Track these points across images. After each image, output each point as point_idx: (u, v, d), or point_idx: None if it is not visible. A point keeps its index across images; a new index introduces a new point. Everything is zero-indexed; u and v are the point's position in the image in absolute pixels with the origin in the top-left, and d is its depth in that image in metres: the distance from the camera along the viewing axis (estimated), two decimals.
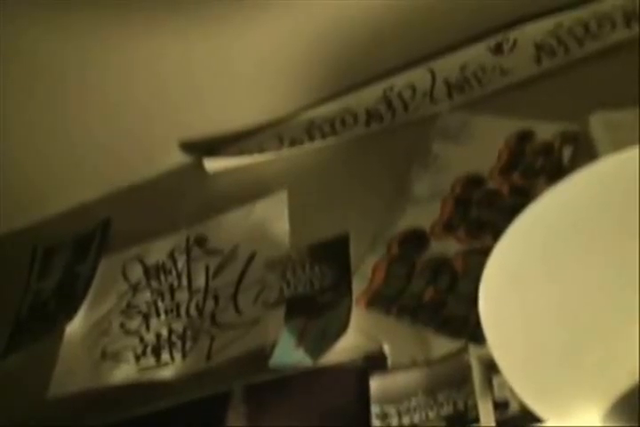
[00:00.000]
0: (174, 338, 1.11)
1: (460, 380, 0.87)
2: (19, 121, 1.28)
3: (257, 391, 0.99)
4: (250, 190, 1.21)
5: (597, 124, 0.98)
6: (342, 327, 0.97)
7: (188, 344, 1.10)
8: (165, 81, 1.26)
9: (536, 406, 0.67)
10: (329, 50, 1.21)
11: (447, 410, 0.86)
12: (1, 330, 1.26)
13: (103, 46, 1.19)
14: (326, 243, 1.07)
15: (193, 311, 1.13)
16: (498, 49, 1.14)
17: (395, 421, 0.89)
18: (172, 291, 1.17)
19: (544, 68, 1.11)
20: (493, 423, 0.83)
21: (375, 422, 0.89)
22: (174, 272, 1.19)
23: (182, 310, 1.14)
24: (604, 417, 0.59)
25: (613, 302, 0.58)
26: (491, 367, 0.84)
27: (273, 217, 1.16)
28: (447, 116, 1.13)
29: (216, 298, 1.12)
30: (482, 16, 1.15)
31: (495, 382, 0.85)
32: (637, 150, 0.59)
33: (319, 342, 0.98)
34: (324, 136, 1.21)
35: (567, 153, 1.00)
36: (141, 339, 1.14)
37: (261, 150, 1.24)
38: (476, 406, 0.85)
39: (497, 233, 0.67)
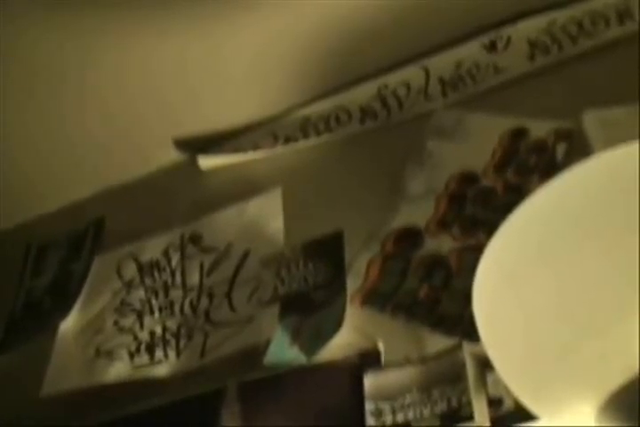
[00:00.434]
0: (168, 336, 1.11)
1: (455, 377, 0.87)
2: (14, 120, 1.28)
3: (251, 389, 0.99)
4: (244, 188, 1.21)
5: (591, 121, 0.98)
6: (337, 325, 0.97)
7: (182, 342, 1.10)
8: (160, 80, 1.26)
9: (530, 404, 0.67)
10: (323, 47, 1.21)
11: (441, 407, 0.86)
12: None
13: (100, 46, 1.20)
14: (320, 240, 1.07)
15: (187, 309, 1.13)
16: (492, 47, 1.14)
17: (389, 418, 0.89)
18: (167, 288, 1.17)
19: (538, 65, 1.11)
20: (488, 420, 0.83)
21: (369, 419, 0.89)
22: (168, 270, 1.19)
23: (176, 308, 1.14)
24: (599, 414, 0.59)
25: (608, 299, 0.58)
26: (485, 364, 0.84)
27: (267, 215, 1.16)
28: (441, 114, 1.13)
29: (210, 296, 1.12)
30: (476, 14, 1.15)
31: (489, 379, 0.85)
32: (632, 147, 0.59)
33: (314, 339, 0.98)
34: (318, 134, 1.21)
35: (561, 150, 1.00)
36: (135, 337, 1.13)
37: (256, 148, 1.24)
38: (470, 403, 0.85)
39: (491, 230, 0.67)
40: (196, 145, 1.30)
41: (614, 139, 0.74)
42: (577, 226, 0.59)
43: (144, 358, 1.11)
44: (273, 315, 1.04)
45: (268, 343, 1.01)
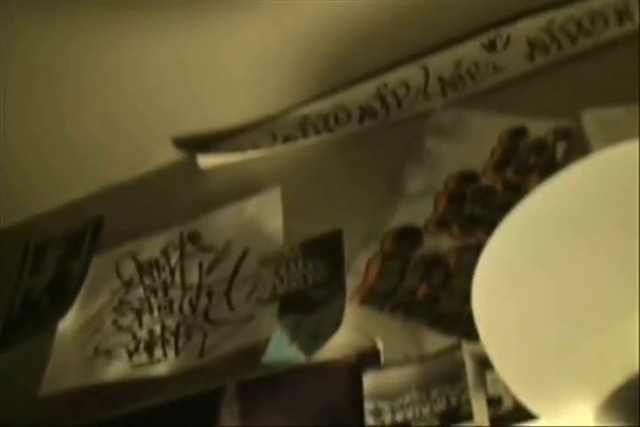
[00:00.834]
0: (167, 335, 1.11)
1: (454, 376, 0.87)
2: (13, 119, 1.28)
3: (250, 388, 0.99)
4: (243, 187, 1.21)
5: (590, 120, 0.98)
6: (335, 324, 0.97)
7: (181, 341, 1.10)
8: (159, 79, 1.26)
9: (529, 403, 0.67)
10: (322, 46, 1.20)
11: (440, 406, 0.86)
12: None
13: (99, 45, 1.19)
14: (319, 239, 1.07)
15: (186, 308, 1.13)
16: (491, 46, 1.14)
17: (388, 417, 0.89)
18: (166, 287, 1.16)
19: (537, 64, 1.11)
20: (487, 420, 0.83)
21: (369, 418, 0.89)
22: (167, 269, 1.18)
23: (175, 307, 1.14)
24: (597, 413, 0.59)
25: (607, 298, 0.58)
26: (484, 364, 0.84)
27: (266, 213, 1.16)
28: (441, 113, 1.13)
29: (209, 294, 1.12)
30: (475, 13, 1.15)
31: (489, 378, 0.85)
32: (630, 145, 0.59)
33: (312, 338, 0.98)
34: (317, 133, 1.21)
35: (560, 149, 1.00)
36: (134, 336, 1.13)
37: (255, 147, 1.24)
38: (469, 403, 0.85)
39: (490, 229, 0.67)
40: (196, 144, 1.30)
41: (614, 138, 0.74)
42: (575, 225, 0.59)
43: (143, 357, 1.10)
44: (272, 314, 1.04)
45: (266, 342, 1.00)
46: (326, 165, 1.17)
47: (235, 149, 1.25)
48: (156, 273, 1.19)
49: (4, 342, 1.24)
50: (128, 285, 1.20)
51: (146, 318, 1.14)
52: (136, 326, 1.14)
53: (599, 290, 0.58)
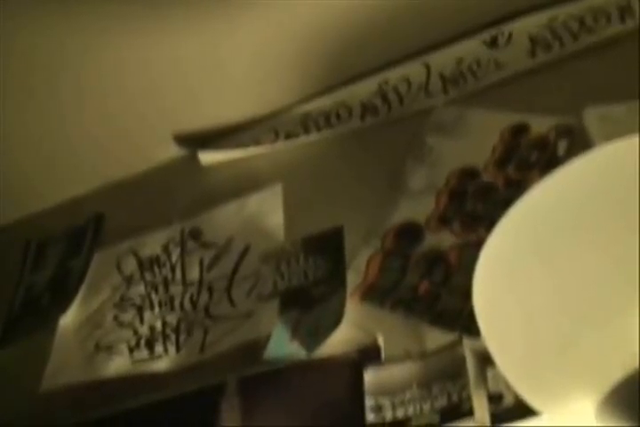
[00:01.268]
0: (168, 331, 1.11)
1: (455, 372, 0.87)
2: (13, 117, 1.28)
3: (251, 384, 0.99)
4: (245, 183, 1.21)
5: (592, 117, 0.98)
6: (336, 320, 0.97)
7: (182, 337, 1.10)
8: (160, 77, 1.26)
9: (530, 398, 0.67)
10: (324, 43, 1.20)
11: (441, 402, 0.86)
12: None
13: (99, 44, 1.19)
14: (320, 236, 1.07)
15: (187, 304, 1.13)
16: (493, 43, 1.14)
17: (389, 413, 0.89)
18: (167, 284, 1.16)
19: (539, 61, 1.11)
20: (488, 416, 0.83)
21: (369, 414, 0.89)
22: (168, 265, 1.18)
23: (176, 303, 1.14)
24: (598, 408, 0.59)
25: (607, 293, 0.58)
26: (485, 360, 0.84)
27: (267, 210, 1.16)
28: (442, 110, 1.13)
29: (210, 291, 1.12)
30: (477, 10, 1.15)
31: (489, 374, 0.85)
32: (629, 141, 0.59)
33: (313, 334, 0.98)
34: (319, 129, 1.21)
35: (562, 146, 1.00)
36: (135, 331, 1.13)
37: (256, 143, 1.23)
38: (470, 399, 0.84)
39: (491, 226, 0.67)
40: (197, 141, 1.30)
41: (615, 135, 0.74)
42: (575, 220, 0.59)
43: (144, 352, 1.11)
44: (273, 310, 1.04)
45: (267, 338, 1.01)
46: (327, 162, 1.17)
47: (236, 146, 1.25)
48: (156, 269, 1.19)
49: (4, 339, 1.24)
50: (129, 281, 1.20)
51: (147, 314, 1.14)
52: (137, 322, 1.14)
53: (600, 286, 0.58)
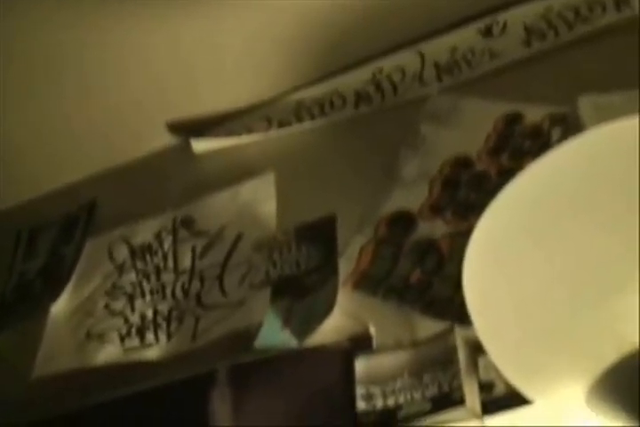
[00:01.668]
0: (159, 319, 1.11)
1: (446, 361, 0.87)
2: (6, 104, 1.27)
3: (242, 372, 0.99)
4: (237, 172, 1.21)
5: (587, 106, 0.98)
6: (328, 309, 0.96)
7: (173, 325, 1.09)
8: (154, 64, 1.26)
9: (521, 385, 0.67)
10: (318, 31, 1.20)
11: (432, 391, 0.86)
12: None
13: (96, 30, 1.19)
14: (313, 224, 1.07)
15: (178, 292, 1.12)
16: (488, 32, 1.14)
17: (380, 402, 0.88)
18: (158, 272, 1.16)
19: (534, 51, 1.10)
20: (479, 404, 0.83)
21: (360, 403, 0.89)
22: (160, 253, 1.18)
23: (168, 291, 1.13)
24: (589, 393, 0.59)
25: (597, 278, 0.57)
26: (476, 349, 0.83)
27: (260, 198, 1.15)
28: (436, 99, 1.13)
29: (202, 279, 1.12)
30: None
31: (481, 363, 0.85)
32: (623, 122, 0.59)
33: (305, 323, 0.98)
34: (312, 118, 1.20)
35: (556, 135, 0.99)
36: (126, 320, 1.13)
37: (249, 132, 1.23)
38: (461, 388, 0.84)
39: None
40: (190, 129, 1.29)
41: None
42: (568, 203, 0.59)
43: (135, 341, 1.10)
44: (264, 298, 1.03)
45: (259, 327, 1.00)
46: (321, 150, 1.17)
47: (229, 134, 1.25)
48: (148, 257, 1.19)
49: None
50: (121, 269, 1.19)
51: (138, 303, 1.14)
52: (128, 311, 1.14)
53: (590, 270, 0.57)
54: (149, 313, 1.12)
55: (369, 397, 0.89)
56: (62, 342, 1.15)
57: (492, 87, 1.10)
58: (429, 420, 0.85)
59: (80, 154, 1.35)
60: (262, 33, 1.21)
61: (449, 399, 0.85)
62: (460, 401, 0.84)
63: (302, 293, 1.02)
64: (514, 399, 0.77)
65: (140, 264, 1.18)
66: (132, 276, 1.17)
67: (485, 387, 0.84)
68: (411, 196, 1.04)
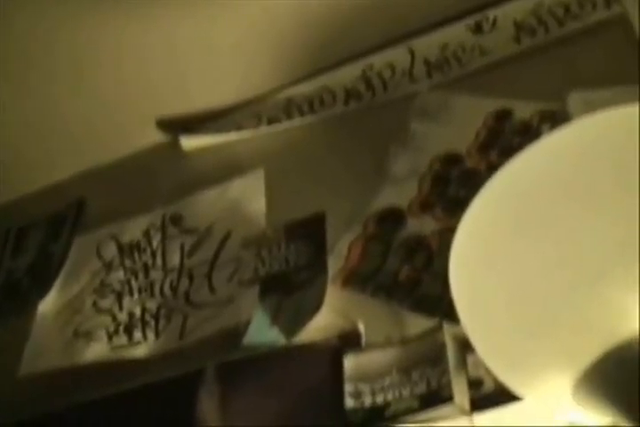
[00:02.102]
0: (147, 317, 1.10)
1: (435, 358, 0.86)
2: None
3: (229, 370, 0.98)
4: (226, 169, 1.20)
5: (576, 102, 0.97)
6: (316, 306, 0.96)
7: (162, 323, 1.09)
8: (143, 61, 1.25)
9: (510, 382, 0.67)
10: (308, 28, 1.20)
11: (421, 388, 0.85)
12: None
13: (87, 27, 1.19)
14: (302, 221, 1.06)
15: (167, 290, 1.12)
16: (478, 28, 1.13)
17: (368, 399, 0.88)
18: (147, 270, 1.15)
19: (524, 47, 1.10)
20: (467, 402, 0.83)
21: (348, 400, 0.88)
22: (149, 251, 1.17)
23: (156, 289, 1.12)
24: (575, 387, 0.59)
25: (584, 271, 0.57)
26: (465, 346, 0.83)
27: (249, 196, 1.15)
28: (426, 96, 1.12)
29: (190, 277, 1.11)
30: None
31: (470, 360, 0.84)
32: (611, 111, 0.59)
33: (293, 320, 0.97)
34: (302, 115, 1.20)
35: (545, 131, 0.99)
36: (114, 318, 1.12)
37: (239, 129, 1.22)
38: (450, 385, 0.83)
39: None
40: (179, 126, 1.29)
41: None
42: (553, 195, 0.59)
43: (122, 338, 1.09)
44: (253, 296, 1.03)
45: (247, 324, 1.00)
46: (310, 148, 1.16)
47: (218, 131, 1.24)
48: (137, 255, 1.18)
49: None
50: (109, 267, 1.19)
51: (126, 301, 1.13)
52: (116, 309, 1.13)
53: (577, 263, 0.57)
54: (137, 311, 1.11)
55: (357, 394, 0.88)
56: (50, 340, 1.14)
57: (483, 84, 1.09)
58: (418, 417, 0.84)
59: (69, 152, 1.35)
60: (252, 30, 1.21)
61: (438, 396, 0.84)
62: (449, 398, 0.83)
63: (291, 290, 1.01)
64: (503, 396, 0.77)
65: (128, 262, 1.18)
66: (121, 274, 1.17)
67: (474, 384, 0.83)
68: (400, 192, 1.03)
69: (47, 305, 1.18)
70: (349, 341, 0.94)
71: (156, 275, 1.14)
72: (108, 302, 1.14)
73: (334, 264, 1.00)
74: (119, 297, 1.14)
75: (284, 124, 1.20)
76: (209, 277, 1.10)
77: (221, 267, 1.10)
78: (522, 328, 0.61)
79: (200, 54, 1.24)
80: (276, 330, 0.98)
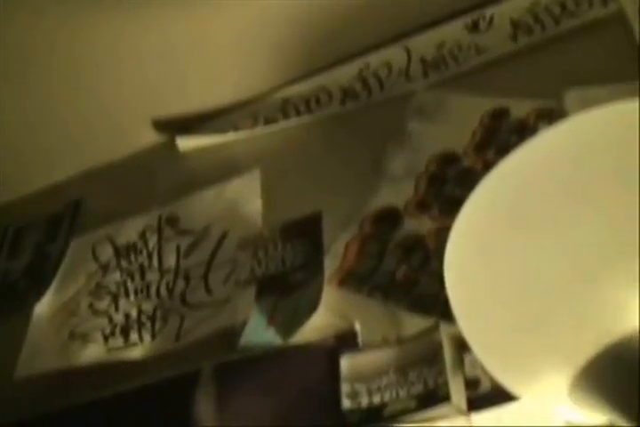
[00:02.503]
0: (144, 319, 1.10)
1: (431, 358, 0.86)
2: None
3: (226, 371, 0.98)
4: (223, 169, 1.20)
5: (573, 100, 0.97)
6: (313, 306, 0.95)
7: (158, 325, 1.08)
8: (140, 61, 1.24)
9: (505, 380, 0.66)
10: (304, 28, 1.19)
11: (418, 388, 0.85)
12: None
13: (84, 27, 1.18)
14: (299, 221, 1.06)
15: (163, 292, 1.11)
16: (474, 27, 1.13)
17: (365, 400, 0.87)
18: (143, 271, 1.15)
19: (521, 46, 1.10)
20: (464, 401, 0.82)
21: (345, 400, 0.88)
22: (145, 252, 1.17)
23: (152, 291, 1.12)
24: (571, 384, 0.58)
25: (579, 268, 0.56)
26: (462, 345, 0.82)
27: (246, 196, 1.14)
28: (423, 95, 1.12)
29: (187, 278, 1.11)
30: None
31: (466, 360, 0.84)
32: (607, 108, 0.58)
33: (290, 321, 0.97)
34: (298, 114, 1.19)
35: (542, 129, 0.98)
36: (110, 319, 1.12)
37: (235, 129, 1.22)
38: (446, 384, 0.83)
39: None
40: (176, 127, 1.29)
41: None
42: (548, 193, 0.58)
43: (118, 340, 1.09)
44: (249, 296, 1.02)
45: (244, 325, 0.99)
46: (307, 147, 1.16)
47: (215, 132, 1.24)
48: (133, 257, 1.17)
49: None
50: (105, 268, 1.18)
51: (122, 302, 1.13)
52: (112, 310, 1.13)
53: (572, 260, 0.57)
54: (134, 312, 1.11)
55: (354, 394, 0.88)
56: (46, 341, 1.14)
57: (479, 82, 1.09)
58: (415, 417, 0.84)
59: (66, 152, 1.34)
60: (248, 30, 1.20)
61: (434, 396, 0.83)
62: (446, 398, 0.83)
63: (287, 290, 1.01)
64: (500, 396, 0.76)
65: (124, 263, 1.17)
66: (117, 275, 1.16)
67: (471, 383, 0.83)
68: (397, 192, 1.03)
69: (43, 307, 1.18)
70: (346, 341, 0.93)
71: (152, 276, 1.14)
72: (104, 303, 1.14)
73: (331, 264, 1.00)
74: (115, 299, 1.14)
75: (281, 124, 1.20)
76: (205, 277, 1.09)
77: (218, 268, 1.09)
78: (518, 327, 0.60)
79: (197, 55, 1.24)
80: (272, 331, 0.97)
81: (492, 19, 1.12)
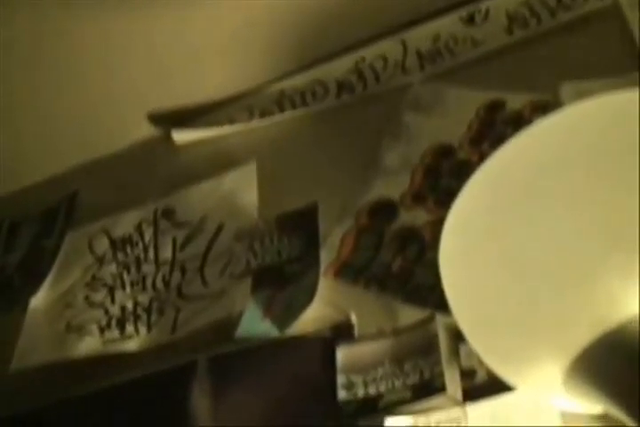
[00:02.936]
0: (139, 311, 1.10)
1: (427, 349, 0.86)
2: None
3: (222, 363, 0.98)
4: (219, 162, 1.20)
5: (569, 92, 0.97)
6: (309, 298, 0.95)
7: (154, 317, 1.08)
8: (135, 54, 1.24)
9: (501, 370, 0.66)
10: (300, 20, 1.19)
11: (413, 379, 0.85)
12: None
13: (76, 19, 1.18)
14: (294, 213, 1.06)
15: (159, 284, 1.11)
16: (470, 20, 1.13)
17: (361, 390, 0.87)
18: (139, 263, 1.15)
19: (516, 38, 1.10)
20: (460, 392, 0.82)
21: (341, 392, 0.88)
22: (141, 245, 1.17)
23: (148, 283, 1.12)
24: (566, 373, 0.58)
25: (573, 258, 0.56)
26: (457, 336, 0.82)
27: (242, 189, 1.14)
28: (419, 87, 1.12)
29: (183, 270, 1.11)
30: None
31: (462, 350, 0.84)
32: (596, 100, 0.58)
33: (286, 312, 0.97)
34: (294, 107, 1.19)
35: None
36: (106, 311, 1.12)
37: (231, 122, 1.22)
38: (442, 375, 0.83)
39: None
40: (171, 120, 1.28)
41: None
42: (540, 184, 0.58)
43: (114, 332, 1.09)
44: (245, 288, 1.02)
45: (240, 317, 0.99)
46: (303, 140, 1.16)
47: (210, 125, 1.24)
48: (129, 249, 1.17)
49: None
50: (101, 261, 1.18)
51: (118, 294, 1.13)
52: (108, 302, 1.13)
53: (566, 251, 0.57)
54: (129, 305, 1.11)
55: (350, 385, 0.88)
56: (41, 334, 1.14)
57: (475, 75, 1.09)
58: (411, 408, 0.84)
59: (61, 146, 1.34)
60: (243, 22, 1.20)
61: (430, 387, 0.84)
62: (442, 389, 0.83)
63: (283, 282, 1.01)
64: (495, 386, 0.76)
65: (120, 256, 1.17)
66: (113, 267, 1.16)
67: (467, 374, 0.83)
68: (393, 184, 1.03)
69: (39, 300, 1.17)
70: (342, 332, 0.93)
71: (148, 269, 1.14)
72: (100, 295, 1.14)
73: (327, 256, 1.00)
74: (111, 291, 1.14)
75: (277, 117, 1.20)
76: (201, 270, 1.09)
77: (214, 260, 1.09)
78: (513, 316, 0.60)
79: (192, 47, 1.24)
80: (268, 322, 0.97)
81: (487, 11, 1.12)
